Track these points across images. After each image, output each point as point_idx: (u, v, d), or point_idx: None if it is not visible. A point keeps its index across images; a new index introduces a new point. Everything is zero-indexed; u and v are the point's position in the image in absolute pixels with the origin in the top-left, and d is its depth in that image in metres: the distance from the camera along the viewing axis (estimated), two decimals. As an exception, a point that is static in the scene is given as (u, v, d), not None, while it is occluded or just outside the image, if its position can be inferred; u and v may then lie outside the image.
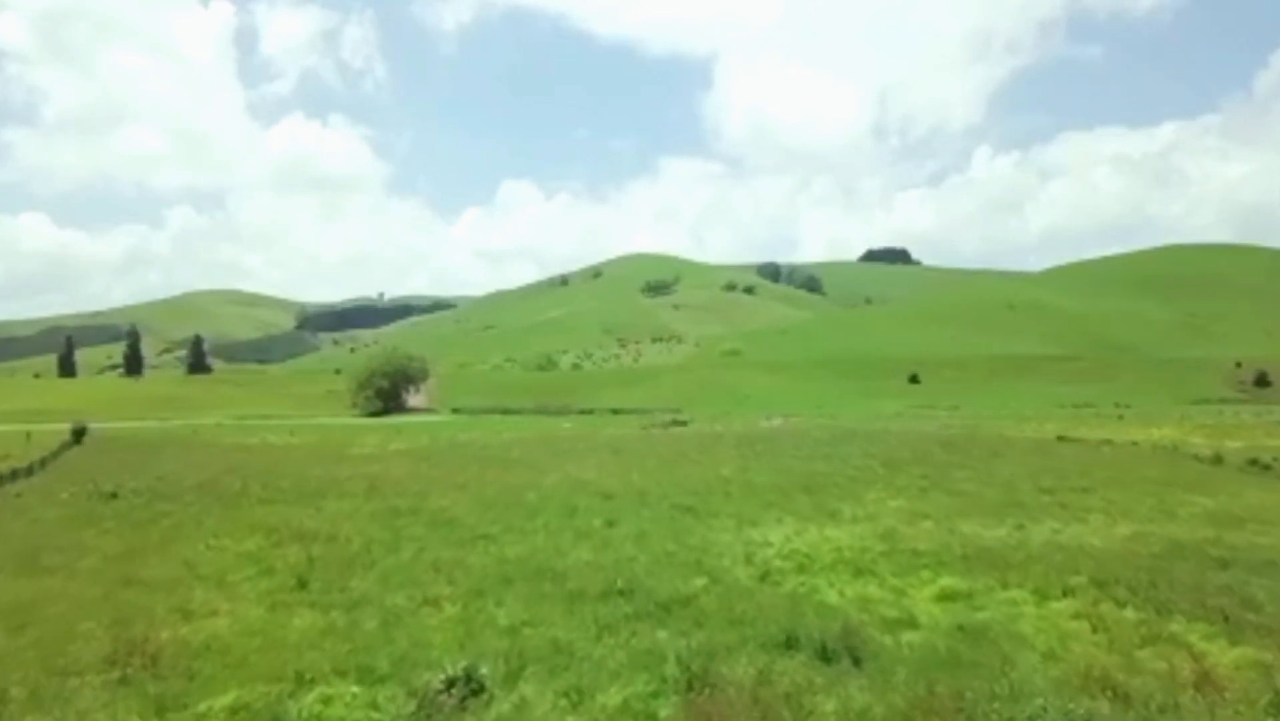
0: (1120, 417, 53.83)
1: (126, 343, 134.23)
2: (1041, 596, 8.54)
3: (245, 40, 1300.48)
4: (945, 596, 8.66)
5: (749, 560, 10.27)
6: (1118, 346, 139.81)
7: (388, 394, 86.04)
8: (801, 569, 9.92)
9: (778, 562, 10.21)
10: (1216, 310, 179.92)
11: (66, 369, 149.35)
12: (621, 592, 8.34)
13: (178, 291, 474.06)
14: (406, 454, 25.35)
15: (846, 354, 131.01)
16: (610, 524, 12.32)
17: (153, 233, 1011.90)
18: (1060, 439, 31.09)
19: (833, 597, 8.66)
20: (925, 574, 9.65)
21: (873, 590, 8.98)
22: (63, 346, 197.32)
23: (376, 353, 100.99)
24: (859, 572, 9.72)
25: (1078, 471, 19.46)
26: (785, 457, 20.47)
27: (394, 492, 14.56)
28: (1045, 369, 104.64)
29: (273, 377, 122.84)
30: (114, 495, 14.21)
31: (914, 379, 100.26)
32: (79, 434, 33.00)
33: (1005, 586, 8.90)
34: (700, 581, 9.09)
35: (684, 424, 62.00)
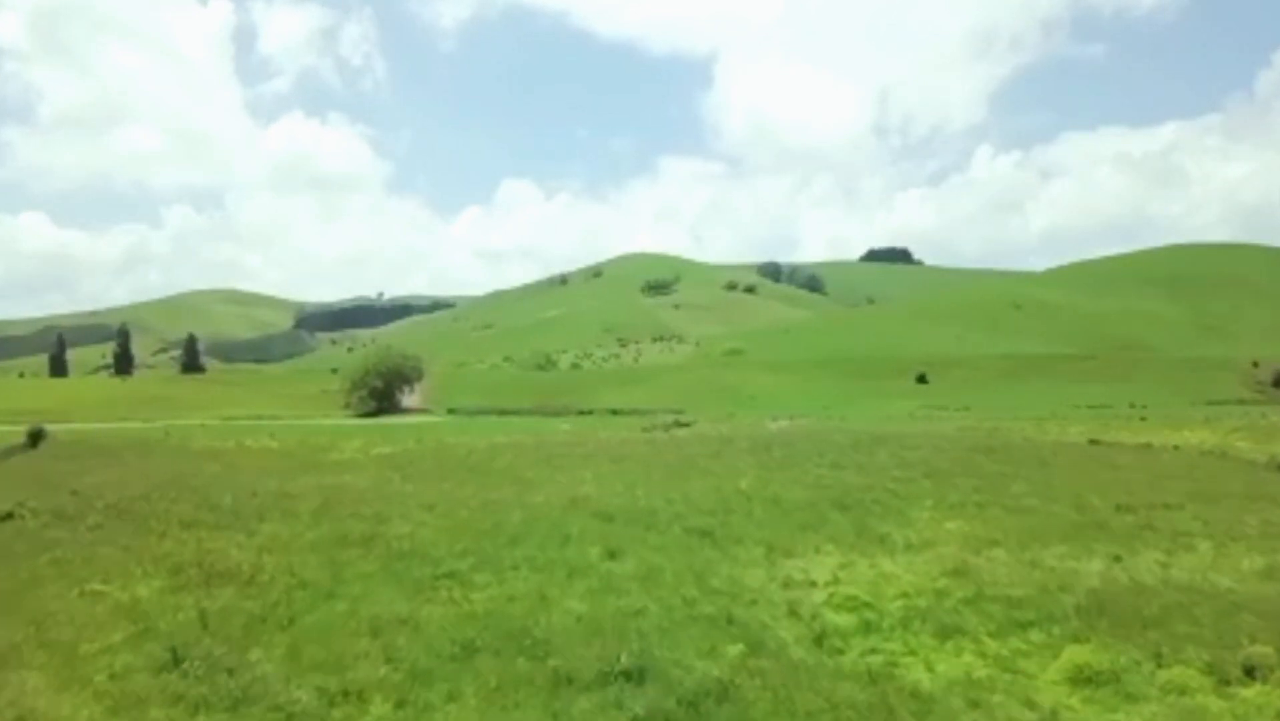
0: (1143, 419, 51.28)
1: (116, 341, 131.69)
2: (1220, 679, 6.04)
3: (243, 38, 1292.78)
4: (1083, 678, 6.16)
5: (793, 612, 7.79)
6: (1126, 345, 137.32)
7: (382, 394, 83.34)
8: (867, 627, 7.43)
9: (831, 616, 7.73)
10: (1223, 309, 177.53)
11: (58, 368, 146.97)
12: (628, 676, 5.87)
13: (177, 291, 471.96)
14: (385, 460, 22.88)
15: (851, 353, 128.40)
16: (611, 555, 9.85)
17: (152, 232, 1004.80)
18: (1092, 442, 28.60)
19: (922, 678, 6.19)
20: (1035, 635, 7.18)
21: (973, 664, 6.51)
22: (57, 346, 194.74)
23: (370, 352, 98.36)
24: (945, 633, 7.24)
25: (1146, 483, 16.95)
26: (810, 466, 17.95)
27: (350, 513, 12.01)
28: (1056, 369, 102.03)
29: (266, 377, 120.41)
30: (9, 516, 11.74)
31: (921, 379, 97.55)
32: (35, 437, 30.42)
33: (1160, 661, 6.42)
34: (735, 650, 6.63)
35: (687, 425, 59.46)
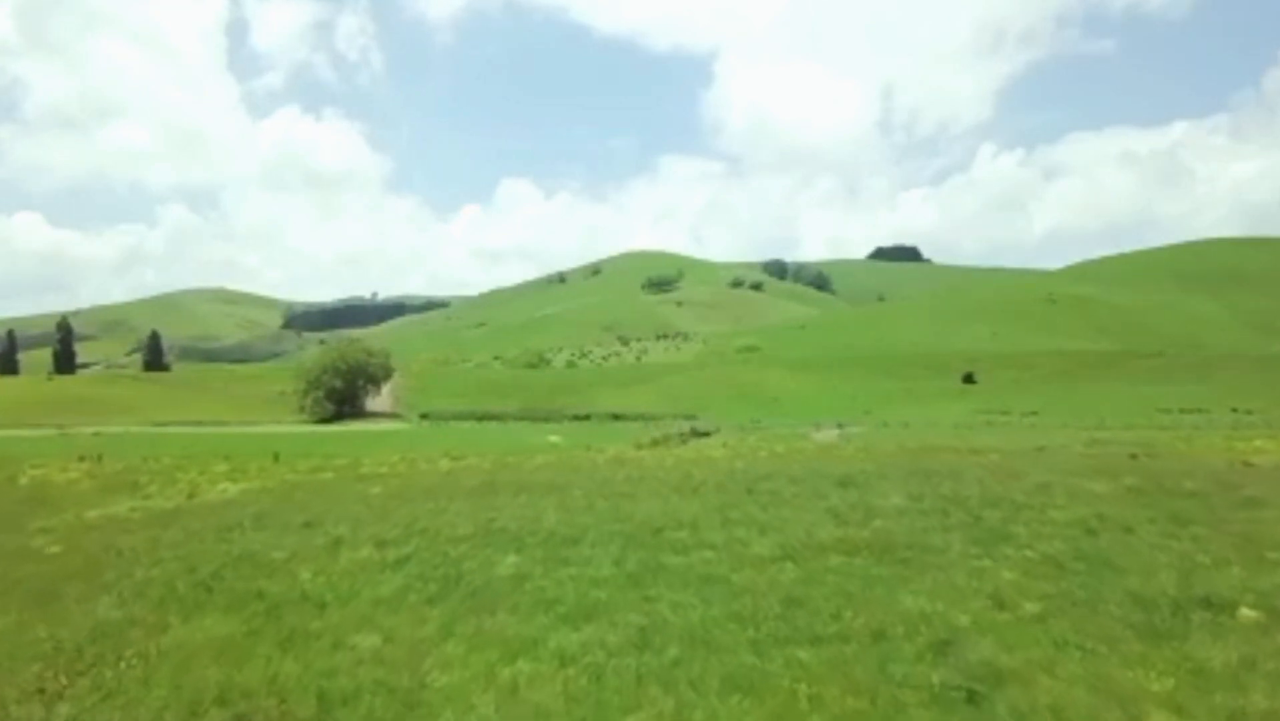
0: (1300, 427, 39.66)
1: (57, 338, 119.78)
2: None
3: (236, 32, 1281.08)
4: None
5: None
6: (1175, 342, 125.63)
7: (342, 396, 71.51)
8: None
9: None
10: (1264, 305, 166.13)
11: (9, 367, 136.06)
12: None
13: (173, 291, 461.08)
14: (181, 528, 11.14)
15: (877, 350, 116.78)
16: None
17: (149, 231, 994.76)
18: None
19: None
20: None
21: None
22: (32, 345, 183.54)
23: (329, 347, 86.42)
24: None
25: None
26: (1133, 603, 6.02)
27: None
28: (1117, 367, 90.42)
29: (229, 378, 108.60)
30: None
31: (969, 378, 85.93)
32: None
33: None
34: None
35: (707, 434, 48.24)
